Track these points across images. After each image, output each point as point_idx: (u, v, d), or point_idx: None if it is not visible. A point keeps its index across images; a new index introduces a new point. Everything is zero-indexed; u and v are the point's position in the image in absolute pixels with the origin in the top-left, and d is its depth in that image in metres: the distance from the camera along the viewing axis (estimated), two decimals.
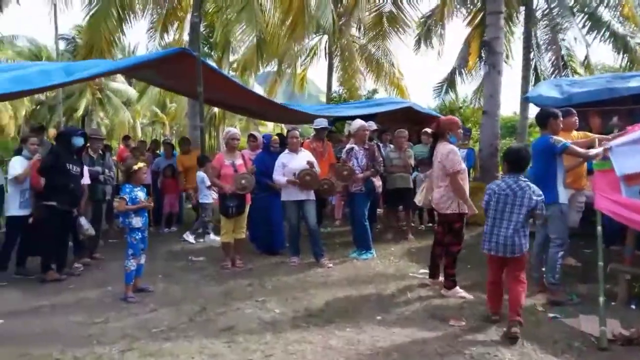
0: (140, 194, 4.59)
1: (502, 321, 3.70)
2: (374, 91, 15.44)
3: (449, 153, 4.37)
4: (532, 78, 13.02)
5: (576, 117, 5.06)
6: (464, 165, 4.45)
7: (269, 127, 24.89)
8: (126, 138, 10.00)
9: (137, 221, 4.55)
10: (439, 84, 14.87)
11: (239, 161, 5.69)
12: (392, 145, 7.50)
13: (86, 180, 5.71)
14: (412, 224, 7.76)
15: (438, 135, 4.57)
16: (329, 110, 9.10)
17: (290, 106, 8.93)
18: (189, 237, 7.18)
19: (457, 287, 4.52)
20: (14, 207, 5.25)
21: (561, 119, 4.53)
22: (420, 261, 5.72)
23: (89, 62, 7.01)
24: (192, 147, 8.57)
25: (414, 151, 7.51)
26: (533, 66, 13.11)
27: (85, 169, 5.70)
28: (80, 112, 23.59)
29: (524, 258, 3.59)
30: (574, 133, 5.02)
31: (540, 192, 3.58)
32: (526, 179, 3.63)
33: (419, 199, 5.08)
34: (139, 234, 4.57)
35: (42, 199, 5.19)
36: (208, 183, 7.01)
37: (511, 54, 14.09)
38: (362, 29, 16.06)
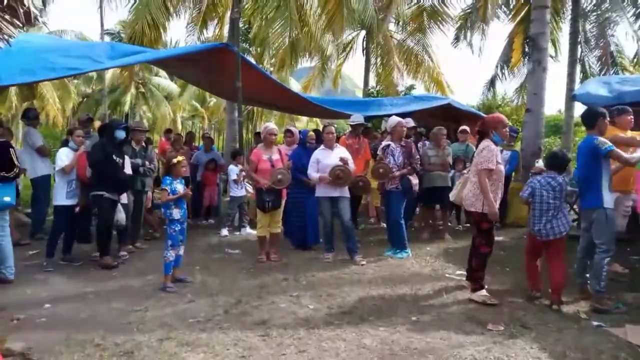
0: (179, 187, 4.68)
1: (542, 297, 4.30)
2: (411, 87, 15.16)
3: (484, 149, 4.26)
4: (578, 75, 12.48)
5: (631, 116, 4.76)
6: (496, 165, 4.20)
7: (303, 122, 24.98)
8: (168, 131, 10.26)
9: (176, 213, 4.64)
10: (486, 83, 14.52)
11: (275, 156, 5.73)
12: (428, 142, 7.37)
13: (128, 171, 5.89)
14: (450, 224, 7.62)
15: (483, 133, 4.41)
16: (363, 108, 8.93)
17: (323, 103, 8.84)
18: (223, 231, 7.29)
19: (484, 290, 4.30)
20: (61, 197, 5.46)
21: (608, 119, 4.31)
22: (457, 262, 5.62)
23: (134, 47, 7.17)
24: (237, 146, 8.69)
25: (451, 149, 7.35)
26: (580, 63, 12.57)
27: (127, 160, 5.88)
28: (126, 106, 24.39)
29: (564, 239, 4.20)
30: (629, 133, 4.73)
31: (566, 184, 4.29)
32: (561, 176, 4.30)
33: (453, 194, 4.89)
34: (178, 225, 4.66)
35: (90, 189, 5.39)
36: (234, 177, 7.10)
37: (559, 49, 13.56)
38: (400, 23, 15.84)
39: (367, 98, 13.65)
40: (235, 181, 7.23)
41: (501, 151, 7.60)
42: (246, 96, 8.40)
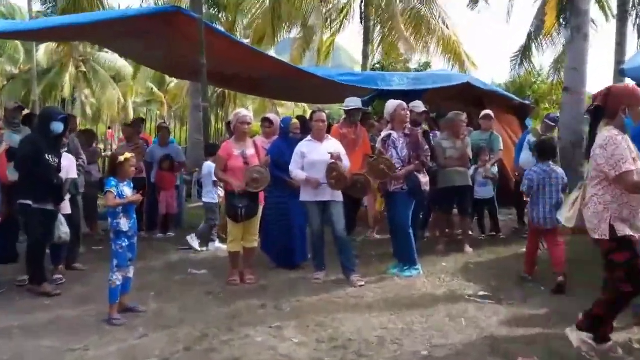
0: (127, 191, 4.64)
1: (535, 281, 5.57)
2: (426, 65, 15.23)
3: (606, 144, 3.46)
4: (631, 45, 12.61)
5: None
6: (633, 165, 3.44)
7: (287, 108, 24.98)
8: (137, 123, 10.11)
9: (124, 223, 4.60)
10: (515, 54, 14.57)
11: (250, 151, 5.71)
12: (440, 133, 7.42)
13: (72, 174, 5.83)
14: (471, 233, 7.65)
15: (604, 112, 3.61)
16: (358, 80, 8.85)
17: (316, 72, 8.76)
18: (194, 242, 7.27)
19: (610, 343, 3.74)
20: None
21: None
22: (479, 280, 5.63)
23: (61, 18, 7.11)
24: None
25: (471, 139, 7.38)
26: (631, 30, 12.68)
27: (71, 160, 5.82)
28: (64, 90, 24.19)
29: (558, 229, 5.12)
30: None
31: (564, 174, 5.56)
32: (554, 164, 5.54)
33: (567, 216, 3.96)
34: (126, 240, 4.62)
35: (16, 196, 5.33)
36: (215, 177, 7.06)
37: (609, 10, 13.62)
38: None
39: (367, 72, 13.66)
40: (215, 183, 7.20)
41: (534, 142, 7.72)
42: (214, 75, 8.35)
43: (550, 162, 5.60)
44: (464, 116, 7.09)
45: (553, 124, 7.92)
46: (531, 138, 7.81)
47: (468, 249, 6.97)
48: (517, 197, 8.04)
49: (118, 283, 4.60)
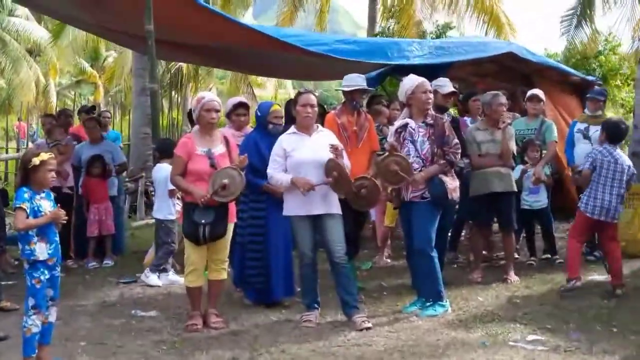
0: (46, 205, 4.63)
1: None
2: (447, 26, 15.22)
3: None
4: None
5: None
6: None
7: (269, 91, 24.97)
8: (89, 110, 10.17)
9: (41, 249, 4.57)
10: (569, 12, 14.61)
11: (218, 148, 5.70)
12: (471, 119, 7.44)
13: None
14: (516, 256, 7.66)
15: None
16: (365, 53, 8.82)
17: (302, 39, 8.65)
18: (151, 278, 7.25)
19: None
20: None
21: None
22: (528, 320, 5.63)
23: None
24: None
25: (515, 129, 7.42)
26: None
27: None
28: None
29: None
30: None
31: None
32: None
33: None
34: (45, 271, 4.59)
35: None
36: (170, 185, 7.03)
37: None
38: None
39: (375, 39, 13.62)
40: (172, 192, 7.18)
41: (586, 128, 7.82)
42: (166, 43, 8.30)
43: (617, 148, 6.40)
44: (503, 98, 7.09)
45: (602, 99, 8.01)
46: (581, 125, 7.88)
47: (513, 277, 6.97)
48: None
49: (35, 330, 4.55)
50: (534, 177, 7.47)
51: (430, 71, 7.66)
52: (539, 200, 7.65)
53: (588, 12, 14.49)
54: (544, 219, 7.84)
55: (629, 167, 6.33)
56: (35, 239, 4.56)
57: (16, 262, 7.62)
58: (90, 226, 8.29)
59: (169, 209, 7.40)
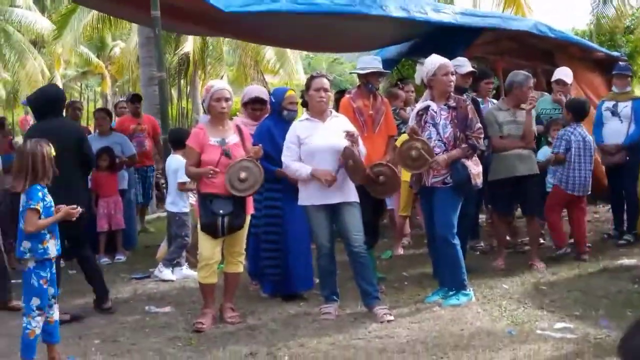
0: (49, 199, 4.69)
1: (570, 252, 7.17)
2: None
3: None
4: None
5: None
6: None
7: (281, 77, 24.82)
8: (133, 99, 10.38)
9: (52, 246, 4.64)
10: None
11: (231, 138, 5.68)
12: (494, 101, 7.38)
13: None
14: (542, 242, 7.65)
15: None
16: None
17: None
18: (165, 273, 7.27)
19: None
20: None
21: None
22: (556, 308, 5.62)
23: None
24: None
25: (539, 108, 7.35)
26: None
27: None
28: None
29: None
30: None
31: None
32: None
33: None
34: (48, 269, 4.64)
35: None
36: (181, 177, 7.04)
37: None
38: None
39: None
40: (181, 185, 7.18)
41: (614, 105, 7.75)
42: (172, 14, 8.17)
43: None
44: (530, 80, 6.99)
45: (629, 74, 8.00)
46: (609, 102, 7.83)
47: (539, 264, 6.96)
48: (613, 188, 8.03)
49: (38, 332, 4.58)
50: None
51: (449, 45, 7.60)
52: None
53: None
54: None
55: (591, 143, 7.28)
56: (48, 236, 4.61)
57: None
58: (100, 221, 8.32)
59: (183, 202, 7.41)
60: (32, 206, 4.54)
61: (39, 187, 4.60)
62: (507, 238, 7.49)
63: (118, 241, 8.50)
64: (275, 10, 7.53)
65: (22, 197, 4.64)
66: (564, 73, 7.92)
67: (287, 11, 7.61)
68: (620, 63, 8.26)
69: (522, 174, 6.85)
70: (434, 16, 8.28)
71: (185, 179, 6.82)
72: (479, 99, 7.56)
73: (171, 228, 7.48)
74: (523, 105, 6.90)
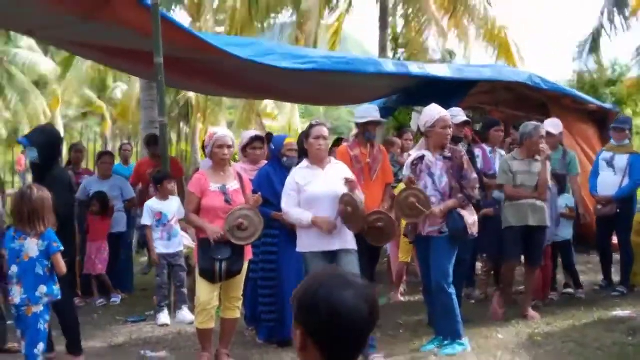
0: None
1: None
2: (450, 54, 15.29)
3: None
4: None
5: None
6: None
7: (279, 122, 24.92)
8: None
9: (58, 289, 4.81)
10: (584, 41, 14.69)
11: (232, 184, 5.70)
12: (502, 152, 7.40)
13: None
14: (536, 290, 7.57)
15: None
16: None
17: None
18: (163, 318, 7.21)
19: None
20: None
21: None
22: (551, 359, 5.62)
23: None
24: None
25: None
26: None
27: None
28: None
29: None
30: None
31: None
32: None
33: None
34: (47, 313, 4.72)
35: None
36: (147, 220, 7.24)
37: None
38: None
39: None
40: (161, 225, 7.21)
41: (611, 157, 7.82)
42: (176, 74, 8.30)
43: None
44: (542, 130, 6.99)
45: (627, 128, 8.03)
46: (606, 153, 7.89)
47: (532, 313, 6.90)
48: (601, 239, 8.02)
49: None
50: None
51: (446, 94, 7.67)
52: (564, 231, 7.65)
53: (596, 41, 14.54)
54: (565, 252, 7.80)
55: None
56: (55, 279, 4.84)
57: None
58: (86, 263, 8.26)
59: (158, 243, 7.37)
60: (61, 248, 4.77)
61: (51, 232, 4.81)
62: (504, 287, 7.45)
63: (106, 284, 8.35)
64: (276, 66, 7.66)
65: (36, 241, 4.73)
66: (550, 124, 7.86)
67: (289, 68, 7.74)
68: (620, 117, 8.35)
69: (534, 225, 6.80)
70: (432, 71, 8.40)
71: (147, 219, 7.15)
72: (488, 148, 7.62)
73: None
74: (537, 157, 6.88)
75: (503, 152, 7.76)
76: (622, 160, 7.84)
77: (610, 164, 7.92)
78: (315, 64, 7.89)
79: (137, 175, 9.30)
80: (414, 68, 8.39)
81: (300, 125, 23.78)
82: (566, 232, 7.65)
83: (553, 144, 7.72)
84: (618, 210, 7.81)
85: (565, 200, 7.66)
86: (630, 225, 7.92)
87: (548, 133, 7.64)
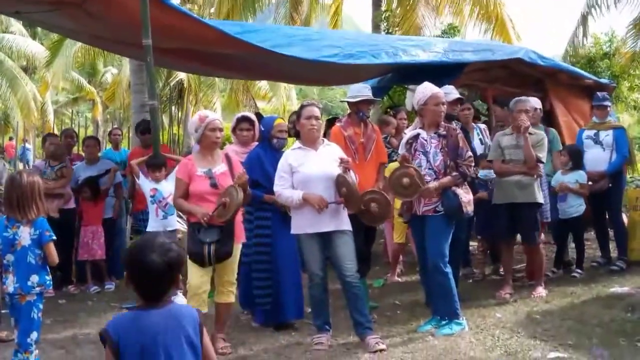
0: None
1: None
2: (453, 28, 15.12)
3: None
4: None
5: None
6: None
7: (273, 103, 24.83)
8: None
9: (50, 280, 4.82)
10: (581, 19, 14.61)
11: (219, 167, 5.68)
12: (481, 126, 7.40)
13: None
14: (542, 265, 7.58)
15: None
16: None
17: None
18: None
19: None
20: None
21: None
22: (550, 337, 5.59)
23: None
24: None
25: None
26: None
27: None
28: None
29: None
30: None
31: None
32: None
33: None
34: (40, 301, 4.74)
35: None
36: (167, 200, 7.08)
37: None
38: None
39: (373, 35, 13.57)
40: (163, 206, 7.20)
41: (595, 134, 7.92)
42: (163, 51, 8.23)
43: None
44: (532, 102, 7.04)
45: (608, 105, 8.15)
46: (589, 131, 8.13)
47: (540, 290, 6.93)
48: (595, 216, 8.05)
49: None
50: (558, 185, 7.59)
51: (440, 73, 7.63)
52: (570, 209, 7.69)
53: (585, 19, 14.45)
54: (575, 229, 7.86)
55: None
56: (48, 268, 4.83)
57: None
58: (81, 249, 8.26)
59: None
60: (53, 237, 4.76)
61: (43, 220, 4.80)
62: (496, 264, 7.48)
63: (103, 270, 8.38)
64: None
65: (28, 229, 4.73)
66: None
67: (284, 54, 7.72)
68: (599, 94, 8.34)
69: (519, 202, 6.83)
70: (423, 57, 8.36)
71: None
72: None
73: None
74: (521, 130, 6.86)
75: (482, 127, 7.91)
76: (607, 135, 7.96)
77: (596, 140, 8.04)
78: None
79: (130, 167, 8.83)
80: (407, 57, 8.35)
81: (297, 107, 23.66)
82: (576, 208, 7.67)
83: (535, 118, 7.71)
84: (610, 185, 7.90)
85: (576, 176, 7.68)
86: (621, 199, 8.14)
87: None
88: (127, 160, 8.82)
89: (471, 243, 8.44)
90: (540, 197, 6.95)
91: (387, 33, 15.16)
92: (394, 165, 6.44)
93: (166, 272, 2.71)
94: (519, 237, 7.29)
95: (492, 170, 7.16)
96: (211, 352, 2.91)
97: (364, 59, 8.12)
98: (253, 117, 6.98)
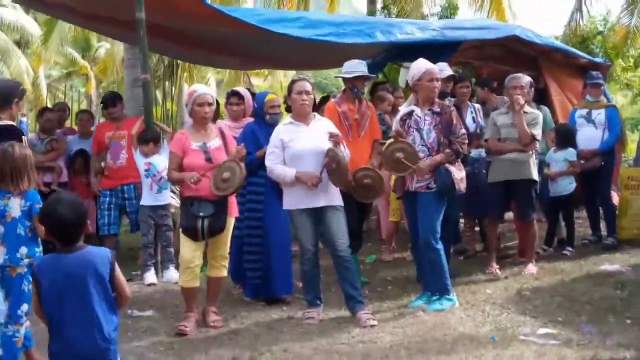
0: None
1: None
2: (452, 6, 15.09)
3: None
4: None
5: None
6: None
7: (269, 80, 24.76)
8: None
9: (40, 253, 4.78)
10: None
11: (214, 142, 5.68)
12: (475, 105, 7.41)
13: None
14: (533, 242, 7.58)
15: None
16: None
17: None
18: (149, 277, 7.23)
19: None
20: None
21: None
22: (539, 313, 5.62)
23: None
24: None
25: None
26: None
27: None
28: None
29: None
30: None
31: None
32: None
33: None
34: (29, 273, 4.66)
35: None
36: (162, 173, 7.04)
37: None
38: None
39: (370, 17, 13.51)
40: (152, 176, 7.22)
41: (588, 112, 7.92)
42: (157, 34, 8.20)
43: None
44: (526, 79, 7.02)
45: (602, 83, 8.16)
46: (582, 110, 8.13)
47: (531, 267, 6.94)
48: (587, 194, 8.07)
49: (22, 340, 4.61)
50: (548, 173, 7.68)
51: (434, 51, 7.60)
52: (559, 188, 7.72)
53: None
54: (565, 206, 7.89)
55: None
56: (39, 240, 4.76)
57: None
58: None
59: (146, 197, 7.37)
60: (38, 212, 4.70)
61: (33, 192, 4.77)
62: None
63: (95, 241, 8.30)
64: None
65: (18, 201, 4.69)
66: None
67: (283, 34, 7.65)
68: (592, 72, 8.33)
69: (514, 179, 6.84)
70: (419, 36, 8.29)
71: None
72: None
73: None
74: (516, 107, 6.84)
75: (477, 106, 7.79)
76: (600, 114, 7.99)
77: (589, 119, 8.06)
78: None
79: (97, 142, 7.97)
80: (403, 36, 8.28)
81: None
82: (565, 187, 7.69)
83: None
84: (602, 163, 7.93)
85: (565, 155, 7.69)
86: (611, 177, 8.16)
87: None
88: (95, 137, 8.20)
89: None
90: (536, 173, 6.96)
91: (383, 8, 15.13)
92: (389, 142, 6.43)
93: (75, 223, 3.31)
94: (510, 214, 7.32)
95: (483, 150, 7.17)
96: (120, 282, 3.46)
97: (358, 38, 8.06)
98: (243, 91, 6.98)
